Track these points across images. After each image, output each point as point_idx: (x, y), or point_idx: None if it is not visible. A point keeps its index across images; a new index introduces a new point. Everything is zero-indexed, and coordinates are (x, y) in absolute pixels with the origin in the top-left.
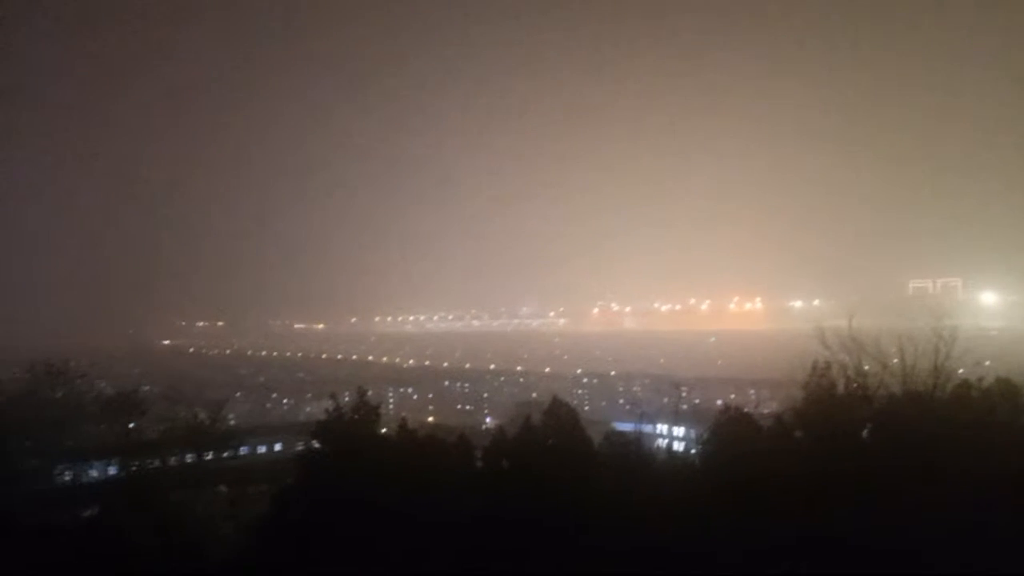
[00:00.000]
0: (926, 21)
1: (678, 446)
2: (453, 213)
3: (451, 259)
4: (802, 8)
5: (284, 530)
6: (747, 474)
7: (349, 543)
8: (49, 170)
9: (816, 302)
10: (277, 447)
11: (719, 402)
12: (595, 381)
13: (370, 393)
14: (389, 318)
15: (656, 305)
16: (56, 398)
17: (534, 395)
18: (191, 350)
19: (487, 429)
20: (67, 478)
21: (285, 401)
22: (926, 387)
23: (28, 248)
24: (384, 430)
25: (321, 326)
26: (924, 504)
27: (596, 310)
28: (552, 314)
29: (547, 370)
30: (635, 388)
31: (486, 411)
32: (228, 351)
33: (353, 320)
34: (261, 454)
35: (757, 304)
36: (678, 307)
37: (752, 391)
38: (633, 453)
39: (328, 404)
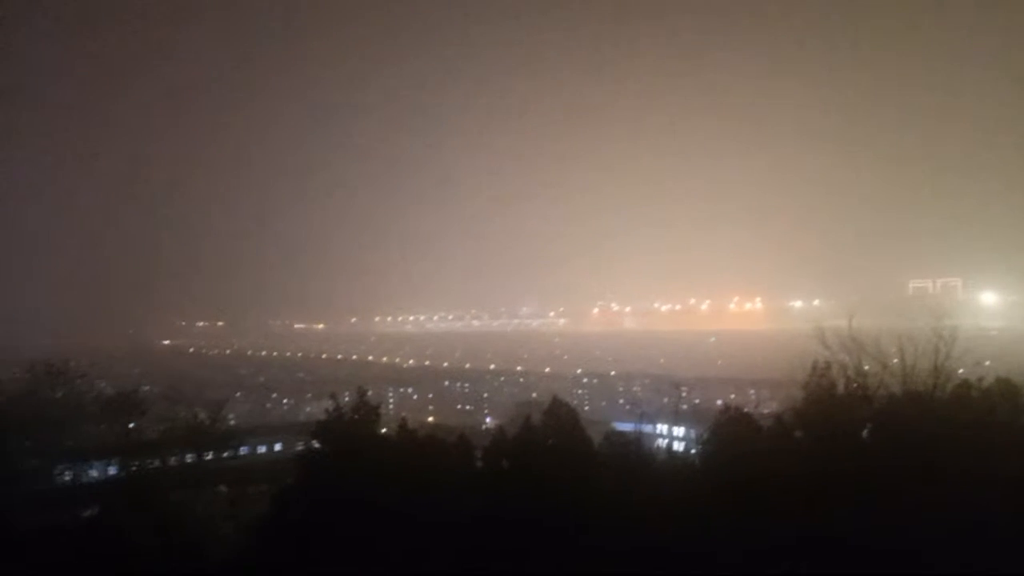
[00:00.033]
0: (926, 21)
1: (678, 446)
2: (453, 213)
3: (451, 259)
4: (802, 8)
5: (284, 530)
6: (747, 474)
7: (349, 543)
8: (49, 170)
9: (816, 302)
10: (277, 447)
11: (719, 402)
12: (595, 381)
13: (370, 393)
14: (389, 318)
15: (656, 305)
16: (56, 398)
17: (534, 395)
18: (191, 350)
19: (487, 429)
20: (67, 478)
21: (285, 401)
22: (926, 387)
23: (28, 248)
24: (384, 430)
25: (321, 326)
26: (924, 504)
27: (596, 310)
28: (552, 314)
29: (547, 370)
30: (635, 388)
31: (486, 411)
32: (228, 351)
33: (353, 320)
34: (261, 454)
35: (757, 304)
36: (678, 307)
37: (752, 391)
38: (633, 453)
39: (328, 404)
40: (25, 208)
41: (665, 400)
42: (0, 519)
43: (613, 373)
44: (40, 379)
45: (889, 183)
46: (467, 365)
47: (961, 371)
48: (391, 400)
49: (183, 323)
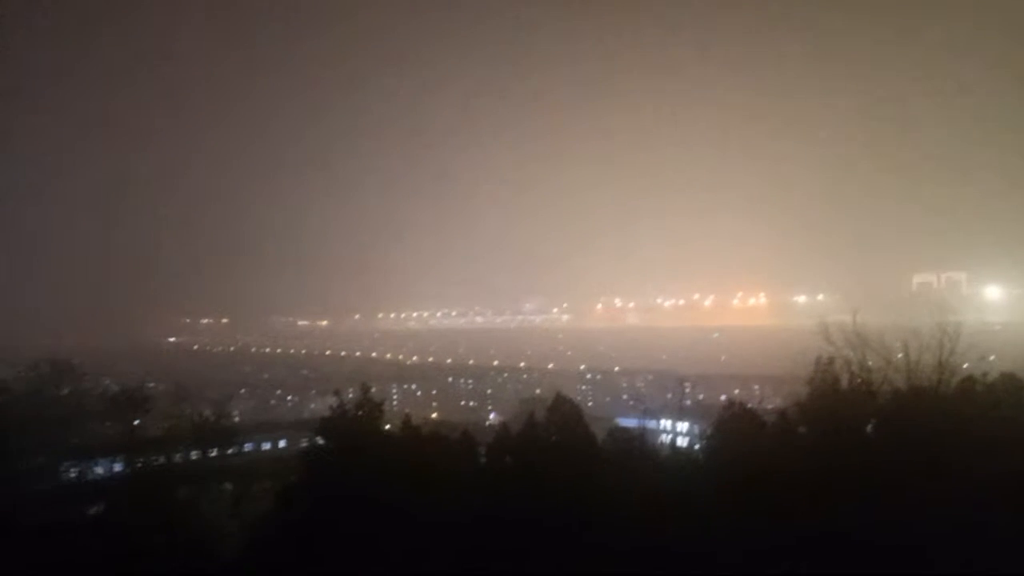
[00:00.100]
0: (931, 14)
1: (682, 442)
2: (456, 209)
3: (454, 256)
4: (806, 1)
5: (289, 527)
6: (751, 469)
7: (354, 540)
8: (49, 170)
9: (820, 297)
10: (282, 444)
11: (723, 398)
12: (598, 377)
13: (374, 390)
14: (392, 315)
15: (659, 301)
16: (61, 395)
17: (538, 391)
18: (195, 347)
19: (491, 425)
20: (73, 475)
21: (289, 398)
22: (930, 382)
23: (28, 248)
24: (388, 426)
25: (324, 323)
26: (929, 500)
27: (599, 306)
28: (555, 310)
29: (550, 366)
30: (639, 384)
31: (490, 407)
32: (232, 348)
33: (356, 317)
34: (266, 451)
35: (761, 299)
36: (681, 302)
37: (756, 387)
38: (637, 449)
39: (332, 401)
40: (25, 208)
41: (669, 396)
42: (6, 516)
43: (616, 369)
44: (45, 377)
45: (894, 176)
46: (470, 361)
47: (966, 366)
48: (395, 397)
49: (187, 320)
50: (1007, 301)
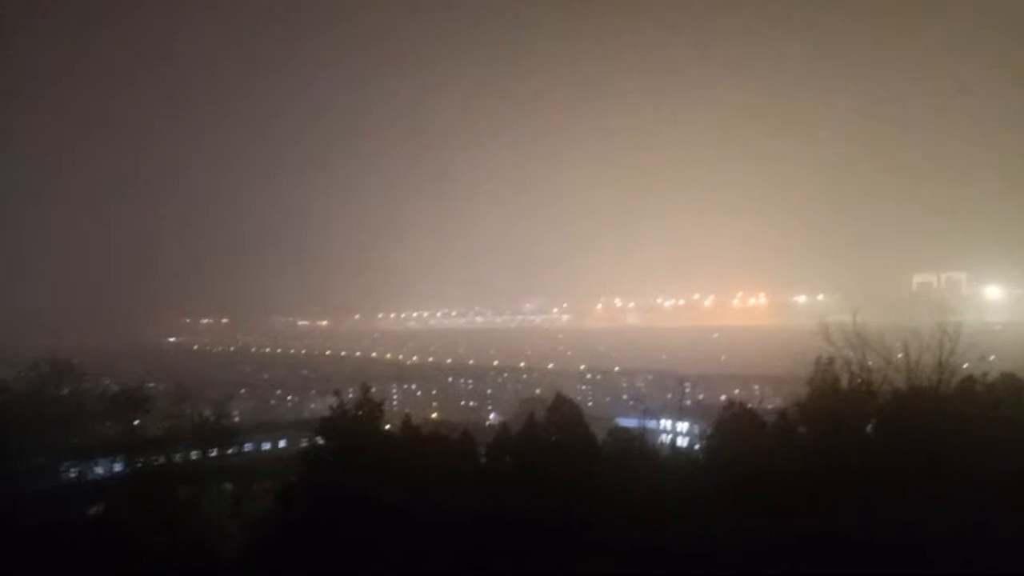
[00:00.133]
0: (931, 14)
1: (682, 441)
2: (455, 209)
3: (454, 256)
4: (805, 1)
5: (289, 527)
6: (751, 469)
7: (353, 540)
8: (49, 170)
9: (820, 297)
10: (282, 444)
11: (723, 398)
12: (598, 377)
13: (374, 390)
14: (392, 315)
15: (659, 301)
16: (61, 395)
17: (538, 391)
18: (195, 347)
19: (491, 425)
20: (73, 475)
21: (289, 398)
22: (930, 382)
23: (28, 248)
24: (388, 426)
25: (324, 323)
26: (929, 500)
27: (599, 306)
28: (555, 310)
29: (550, 366)
30: (639, 384)
31: (490, 407)
32: (232, 348)
33: (356, 317)
34: (266, 451)
35: (761, 299)
36: (681, 302)
37: (756, 387)
38: (636, 449)
39: (332, 401)
40: (25, 208)
41: (669, 396)
42: (6, 516)
43: (616, 369)
44: (45, 377)
45: (894, 176)
46: (470, 361)
47: (966, 366)
48: (395, 397)
49: (187, 321)
50: (1007, 301)
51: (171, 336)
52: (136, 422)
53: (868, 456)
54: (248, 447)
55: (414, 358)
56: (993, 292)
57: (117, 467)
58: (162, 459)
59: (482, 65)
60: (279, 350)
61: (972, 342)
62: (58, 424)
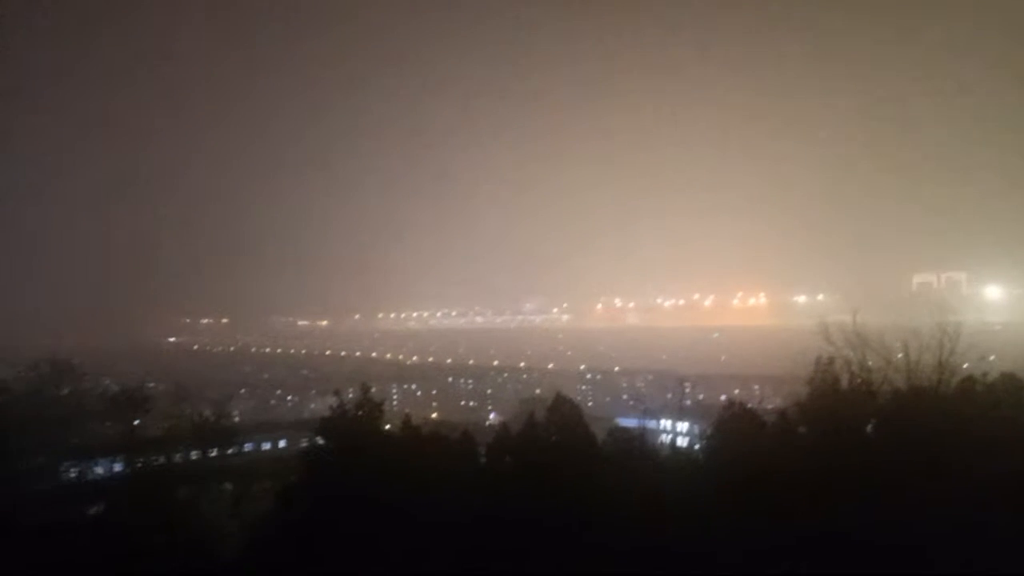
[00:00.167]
0: (931, 14)
1: (682, 441)
2: (455, 210)
3: (454, 256)
4: (805, 1)
5: (289, 527)
6: (751, 469)
7: (353, 540)
8: (49, 170)
9: (820, 297)
10: (282, 444)
11: (723, 398)
12: (598, 377)
13: (374, 390)
14: (392, 315)
15: (659, 301)
16: (61, 395)
17: (538, 391)
18: (195, 347)
19: (491, 425)
20: (72, 475)
21: (289, 398)
22: (930, 382)
23: (28, 248)
24: (388, 426)
25: (324, 323)
26: (929, 500)
27: (599, 306)
28: (555, 310)
29: (550, 366)
30: (639, 384)
31: (490, 407)
32: (232, 348)
33: (356, 317)
34: (266, 451)
35: (761, 299)
36: (681, 302)
37: (756, 387)
38: (636, 449)
39: (332, 401)
40: (25, 208)
41: (669, 396)
42: (6, 516)
43: (616, 369)
44: (45, 377)
45: (894, 176)
46: (470, 361)
47: (966, 366)
48: (395, 397)
49: (187, 321)
50: (1007, 301)
51: (171, 336)
52: (136, 422)
53: (868, 456)
54: (248, 447)
55: (414, 358)
56: (993, 292)
57: (117, 467)
58: (162, 459)
59: (482, 65)
60: (279, 350)
61: (972, 342)
62: (58, 424)
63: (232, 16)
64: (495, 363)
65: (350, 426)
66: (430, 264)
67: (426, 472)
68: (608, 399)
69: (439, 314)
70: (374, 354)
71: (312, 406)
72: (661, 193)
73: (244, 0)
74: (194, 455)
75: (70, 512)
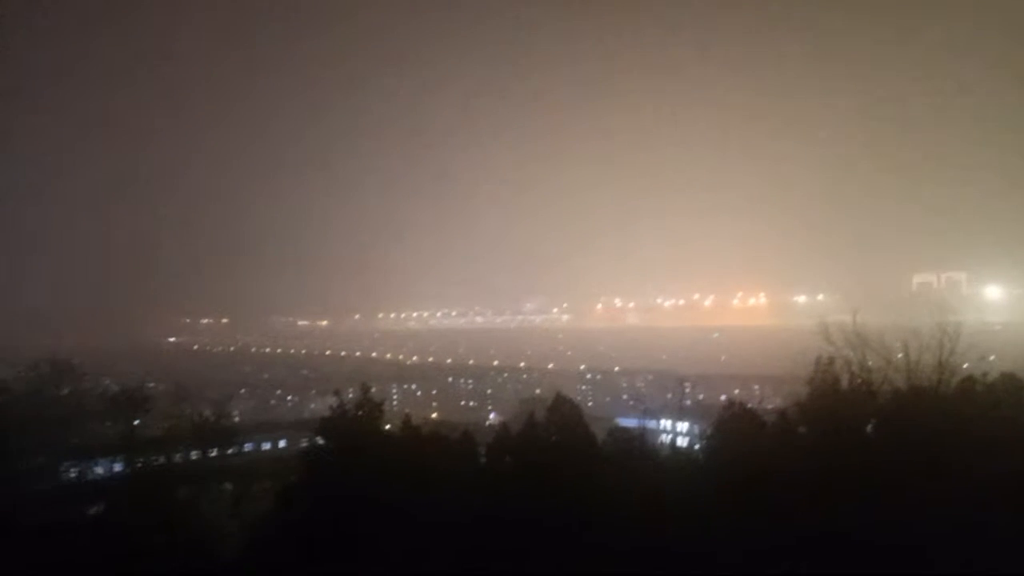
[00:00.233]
0: (931, 14)
1: (682, 442)
2: (455, 210)
3: (454, 256)
4: (805, 1)
5: (289, 527)
6: (751, 469)
7: (354, 540)
8: (49, 170)
9: (820, 297)
10: (282, 444)
11: (723, 398)
12: (598, 377)
13: (374, 390)
14: (392, 315)
15: (659, 301)
16: (61, 395)
17: (538, 391)
18: (195, 347)
19: (491, 425)
20: (73, 475)
21: (289, 398)
22: (930, 382)
23: (28, 248)
24: (388, 426)
25: (324, 323)
26: (929, 500)
27: (599, 306)
28: (555, 310)
29: (550, 366)
30: (639, 384)
31: (490, 407)
32: (232, 348)
33: (356, 317)
34: (266, 451)
35: (761, 299)
36: (681, 302)
37: (756, 387)
38: (636, 449)
39: (332, 401)
40: (25, 208)
41: (669, 396)
42: (6, 516)
43: (616, 369)
44: (45, 377)
45: (894, 176)
46: (470, 361)
47: (966, 366)
48: (395, 397)
49: (187, 321)
50: (1007, 301)
51: (171, 336)
52: (136, 422)
53: (868, 456)
54: (248, 447)
55: (414, 358)
56: (993, 292)
57: (117, 467)
58: (162, 459)
59: (482, 65)
60: (279, 350)
61: (972, 342)
62: (58, 424)
63: (232, 16)
64: (495, 363)
65: (350, 426)
66: (430, 264)
67: (426, 472)
68: (608, 399)
69: (439, 314)
70: (374, 354)
71: (312, 406)
72: (661, 193)
73: (244, 0)
74: (194, 455)
75: (70, 512)
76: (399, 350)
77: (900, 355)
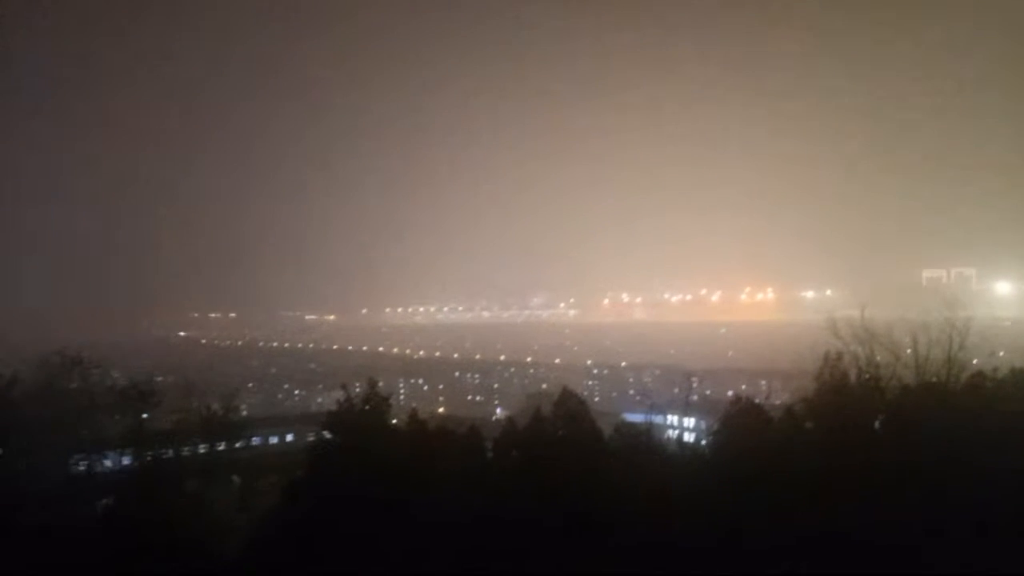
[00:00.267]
0: (940, 8)
1: (688, 437)
2: (462, 205)
3: (461, 251)
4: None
5: (296, 521)
6: (757, 465)
7: (361, 534)
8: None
9: (828, 292)
10: (289, 437)
11: (730, 393)
12: (605, 372)
13: (381, 384)
14: (399, 309)
15: (666, 296)
16: (71, 389)
17: (544, 386)
18: (203, 341)
19: (497, 420)
20: (82, 468)
21: (297, 392)
22: (939, 378)
23: (40, 243)
24: (395, 421)
25: (332, 317)
26: (937, 498)
27: (606, 301)
28: (562, 305)
29: (557, 361)
30: (645, 379)
31: (496, 402)
32: (240, 342)
33: (364, 311)
34: (273, 444)
35: (769, 294)
36: (688, 298)
37: (763, 382)
38: (643, 444)
39: (339, 395)
40: (37, 205)
41: (675, 391)
42: (17, 509)
43: (623, 364)
44: (55, 370)
45: (903, 173)
46: (477, 356)
47: (975, 362)
48: (402, 391)
49: (196, 315)
50: (1017, 296)
51: (180, 331)
52: (145, 416)
53: (876, 452)
54: (256, 441)
55: (421, 352)
56: (1003, 287)
57: (126, 460)
58: (170, 452)
59: (482, 65)
60: (286, 344)
61: (982, 337)
62: (68, 417)
63: (232, 16)
64: (502, 358)
65: (357, 420)
66: (437, 259)
67: (433, 466)
68: (615, 394)
69: (446, 309)
70: (381, 348)
71: (319, 400)
72: (669, 189)
73: (244, 0)
74: (202, 448)
75: (81, 504)
76: (406, 344)
77: (909, 350)
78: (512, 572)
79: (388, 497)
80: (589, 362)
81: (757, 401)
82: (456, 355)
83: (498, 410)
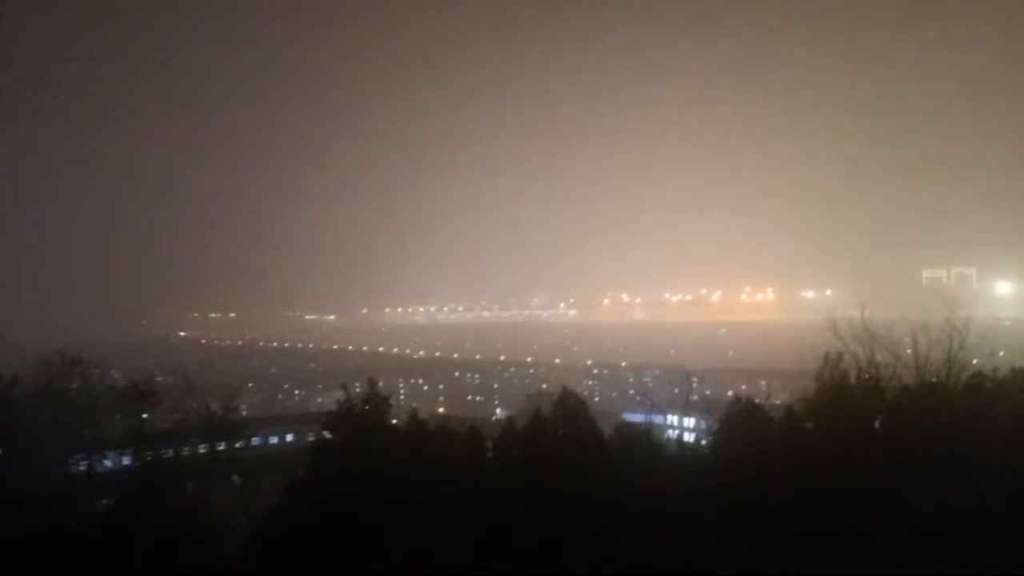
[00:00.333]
0: (940, 8)
1: (688, 437)
2: (462, 205)
3: (461, 251)
4: (805, 1)
5: (297, 521)
6: (757, 465)
7: (361, 534)
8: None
9: (828, 292)
10: (289, 437)
11: (730, 393)
12: (605, 372)
13: (381, 384)
14: (400, 309)
15: (667, 296)
16: (71, 389)
17: (544, 386)
18: (204, 341)
19: (497, 420)
20: (82, 468)
21: (297, 392)
22: (939, 378)
23: (38, 244)
24: (395, 421)
25: (332, 317)
26: (935, 499)
27: (606, 301)
28: (562, 305)
29: (557, 361)
30: (645, 379)
31: (496, 402)
32: (240, 342)
33: (364, 311)
34: (273, 444)
35: (769, 295)
36: (689, 298)
37: (763, 382)
38: (643, 444)
39: (339, 395)
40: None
41: (676, 391)
42: (17, 509)
43: (623, 364)
44: (54, 370)
45: (902, 171)
46: (477, 356)
47: (975, 362)
48: (402, 391)
49: (196, 315)
50: (1018, 296)
51: (180, 331)
52: (145, 416)
53: (876, 452)
54: (256, 441)
55: (421, 352)
56: (1003, 287)
57: (126, 460)
58: (171, 452)
59: (482, 65)
60: (286, 344)
61: (982, 337)
62: (67, 417)
63: (232, 16)
64: (502, 358)
65: (357, 420)
66: (437, 259)
67: (433, 466)
68: (615, 394)
69: (446, 309)
70: (381, 348)
71: (319, 400)
72: (669, 189)
73: (244, 0)
74: (202, 449)
75: (81, 505)
76: (406, 344)
77: (909, 350)
78: (512, 572)
79: (388, 497)
80: (589, 362)
81: (757, 401)
82: (456, 355)
83: (498, 410)
